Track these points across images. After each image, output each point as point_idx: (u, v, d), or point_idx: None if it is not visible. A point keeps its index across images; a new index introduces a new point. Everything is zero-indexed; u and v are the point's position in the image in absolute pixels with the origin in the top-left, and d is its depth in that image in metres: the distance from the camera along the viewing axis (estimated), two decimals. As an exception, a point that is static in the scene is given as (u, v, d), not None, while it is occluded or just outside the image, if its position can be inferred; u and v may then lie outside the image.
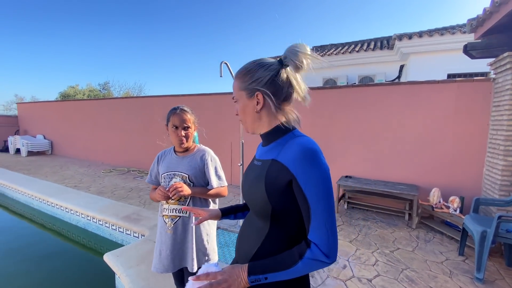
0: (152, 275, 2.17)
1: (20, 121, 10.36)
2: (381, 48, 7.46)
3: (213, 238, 1.53)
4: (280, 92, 0.81)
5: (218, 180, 1.51)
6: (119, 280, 2.33)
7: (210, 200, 1.55)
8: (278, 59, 0.81)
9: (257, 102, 0.81)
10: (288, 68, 0.80)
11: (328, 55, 8.18)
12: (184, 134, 1.43)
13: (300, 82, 0.83)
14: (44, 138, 9.28)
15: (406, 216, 3.63)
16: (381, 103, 3.99)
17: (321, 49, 9.33)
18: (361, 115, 4.12)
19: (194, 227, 1.40)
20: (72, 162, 7.66)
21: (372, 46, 7.88)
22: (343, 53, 7.98)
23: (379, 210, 3.85)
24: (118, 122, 7.44)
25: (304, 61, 0.78)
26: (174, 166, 1.45)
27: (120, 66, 41.06)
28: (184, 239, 1.41)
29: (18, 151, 8.99)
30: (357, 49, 8.02)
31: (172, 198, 1.34)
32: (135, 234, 3.18)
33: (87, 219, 3.68)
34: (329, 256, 0.69)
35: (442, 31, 6.17)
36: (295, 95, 0.84)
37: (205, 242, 1.46)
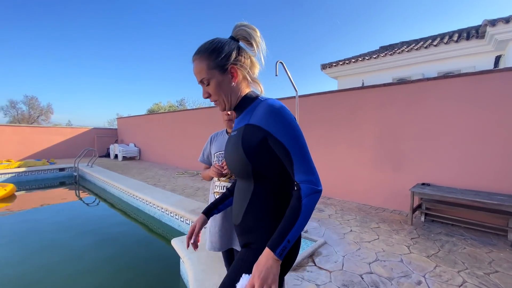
0: (211, 260, 2.30)
1: (118, 133, 12.72)
2: (467, 38, 6.35)
3: None
4: (248, 65, 0.90)
5: None
6: (183, 263, 2.55)
7: None
8: (230, 36, 0.90)
9: (232, 75, 0.88)
10: (253, 44, 0.88)
11: (398, 53, 7.41)
12: (231, 118, 1.50)
13: (252, 56, 0.92)
14: (135, 146, 11.11)
15: (510, 236, 2.88)
16: (468, 96, 3.36)
17: (389, 48, 8.55)
18: (441, 112, 3.55)
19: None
20: (154, 166, 8.90)
21: (455, 38, 6.78)
22: (416, 49, 7.10)
23: (468, 226, 3.16)
24: (190, 131, 8.34)
25: (253, 35, 0.87)
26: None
27: (194, 85, 46.70)
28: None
29: (116, 156, 10.99)
30: (435, 43, 7.02)
31: (224, 174, 1.40)
32: (199, 227, 3.44)
33: (162, 211, 4.18)
34: (318, 185, 0.79)
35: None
36: (253, 70, 0.93)
37: None
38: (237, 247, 1.44)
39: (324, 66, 8.74)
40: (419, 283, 2.08)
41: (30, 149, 10.08)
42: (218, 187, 1.50)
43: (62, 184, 7.75)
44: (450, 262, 2.39)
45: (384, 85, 4.06)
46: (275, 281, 0.72)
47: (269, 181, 0.86)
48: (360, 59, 7.99)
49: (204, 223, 1.11)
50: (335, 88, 8.97)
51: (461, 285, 2.06)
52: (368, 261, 2.37)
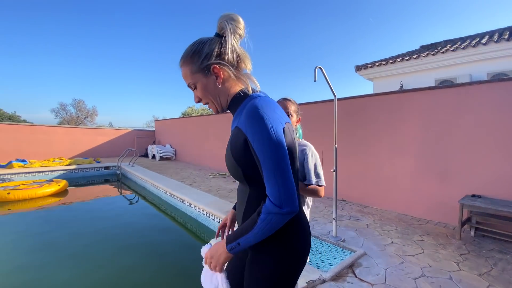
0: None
1: (156, 134, 13.50)
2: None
3: None
4: (231, 60, 0.83)
5: (316, 178, 1.46)
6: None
7: (306, 199, 1.52)
8: (215, 33, 0.84)
9: (216, 76, 0.83)
10: (227, 37, 0.81)
11: (442, 53, 6.93)
12: None
13: (241, 48, 0.86)
14: (171, 147, 11.71)
15: None
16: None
17: (431, 48, 8.03)
18: (494, 118, 3.27)
19: None
20: (188, 166, 9.31)
21: (506, 35, 6.17)
22: (463, 48, 6.59)
23: (528, 244, 2.87)
24: (223, 133, 8.59)
25: (239, 25, 0.82)
26: None
27: None
28: None
29: (153, 156, 11.67)
30: (483, 41, 6.46)
31: None
32: (235, 229, 3.55)
33: (198, 210, 4.37)
34: (282, 206, 0.70)
35: None
36: (242, 65, 0.87)
37: None
38: None
39: (359, 68, 8.47)
40: (472, 304, 1.95)
41: (78, 148, 11.11)
42: None
43: (106, 181, 8.43)
44: (505, 282, 2.20)
45: (429, 88, 3.84)
46: (219, 264, 0.81)
47: (261, 186, 0.78)
48: (399, 59, 7.61)
49: (235, 218, 1.12)
50: (370, 90, 8.65)
51: (522, 310, 1.89)
52: (413, 276, 2.27)
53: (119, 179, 8.34)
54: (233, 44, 0.82)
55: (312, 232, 3.22)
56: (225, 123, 8.50)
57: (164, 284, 2.75)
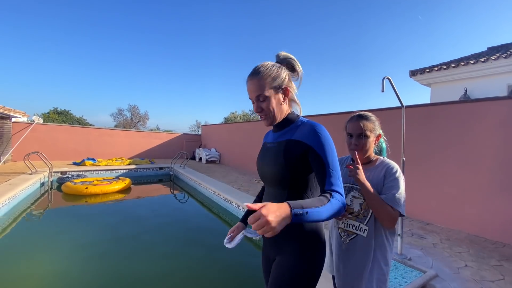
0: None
1: (202, 138, 14.30)
2: None
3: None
4: (293, 87, 1.10)
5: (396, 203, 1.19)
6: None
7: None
8: (276, 61, 1.09)
9: (284, 96, 1.05)
10: (297, 70, 1.10)
11: (518, 55, 6.15)
12: (357, 143, 1.27)
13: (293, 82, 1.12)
14: (216, 150, 12.28)
15: None
16: None
17: (502, 50, 7.17)
18: None
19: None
20: (233, 170, 9.66)
21: None
22: (548, 49, 5.77)
23: None
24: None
25: (296, 66, 1.09)
26: (352, 179, 1.27)
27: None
28: (361, 260, 1.21)
29: (200, 159, 12.36)
30: None
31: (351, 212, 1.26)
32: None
33: (251, 216, 4.53)
34: (344, 201, 0.88)
35: None
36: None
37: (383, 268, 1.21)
38: None
39: (414, 73, 7.94)
40: None
41: (136, 149, 12.28)
42: (344, 223, 1.28)
43: (160, 181, 9.18)
44: None
45: (510, 97, 3.46)
46: (273, 230, 0.67)
47: (300, 190, 1.00)
48: (463, 63, 6.95)
49: (242, 228, 1.20)
50: (428, 97, 8.02)
51: None
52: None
53: (171, 180, 9.02)
54: (300, 75, 1.11)
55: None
56: (267, 128, 8.64)
57: (228, 280, 2.93)
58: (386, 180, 1.22)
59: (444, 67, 7.33)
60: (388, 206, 1.15)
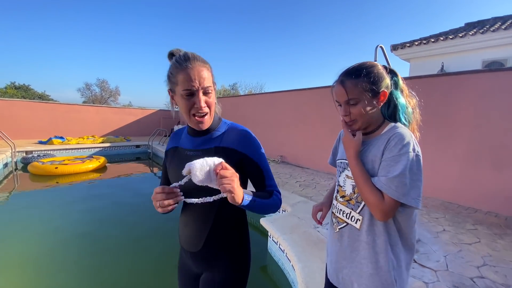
0: (307, 243, 2.42)
1: (180, 115, 13.67)
2: None
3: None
4: None
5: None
6: (272, 241, 2.75)
7: None
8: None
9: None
10: None
11: (492, 31, 6.34)
12: (346, 113, 0.92)
13: None
14: (195, 127, 11.91)
15: None
16: None
17: (479, 25, 7.35)
18: None
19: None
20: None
21: None
22: (520, 25, 5.98)
23: None
24: (249, 115, 8.56)
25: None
26: None
27: (246, 69, 47.40)
28: (352, 254, 0.93)
29: (178, 136, 11.95)
30: (547, 17, 5.81)
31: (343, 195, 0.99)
32: (277, 210, 3.62)
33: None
34: (281, 200, 0.95)
35: None
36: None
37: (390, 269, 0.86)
38: None
39: (395, 47, 7.97)
40: (545, 295, 1.89)
41: (108, 127, 11.53)
42: (336, 208, 1.02)
43: (138, 159, 8.79)
44: None
45: (491, 70, 3.55)
46: (233, 188, 0.72)
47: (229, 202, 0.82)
48: (442, 38, 7.06)
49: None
50: (406, 72, 8.17)
51: None
52: (475, 265, 2.23)
53: (150, 157, 8.66)
54: None
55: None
56: (256, 105, 8.43)
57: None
58: (384, 155, 0.84)
59: (424, 41, 7.41)
60: (376, 191, 0.82)
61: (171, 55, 0.89)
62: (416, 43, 7.58)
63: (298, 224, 2.85)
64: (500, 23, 6.76)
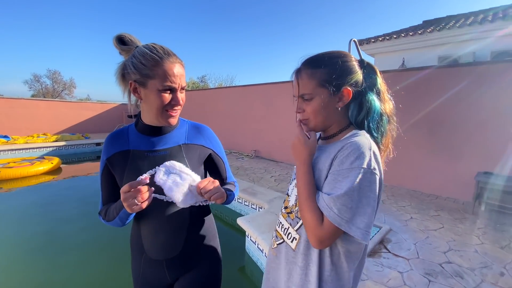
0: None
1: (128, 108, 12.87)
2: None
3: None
4: None
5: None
6: (250, 241, 2.66)
7: None
8: None
9: None
10: None
11: (448, 28, 6.83)
12: (299, 110, 0.77)
13: None
14: (162, 122, 11.28)
15: None
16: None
17: (435, 23, 7.89)
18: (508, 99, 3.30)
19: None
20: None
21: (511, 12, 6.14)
22: (469, 24, 6.52)
23: (535, 217, 3.06)
24: (221, 109, 8.30)
25: None
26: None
27: (216, 61, 46.06)
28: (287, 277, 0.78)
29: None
30: (489, 18, 6.41)
31: None
32: (253, 206, 3.53)
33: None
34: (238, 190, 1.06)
35: None
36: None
37: None
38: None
39: (361, 42, 8.25)
40: (502, 274, 2.06)
41: (63, 123, 10.43)
42: (279, 223, 0.87)
43: (99, 158, 8.06)
44: (527, 255, 2.34)
45: (450, 66, 3.79)
46: (222, 197, 0.81)
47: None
48: (403, 34, 7.46)
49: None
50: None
51: (546, 279, 2.03)
52: (442, 250, 2.36)
53: (113, 156, 8.01)
54: None
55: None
56: (223, 98, 8.19)
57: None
58: (333, 166, 0.67)
59: (388, 37, 7.76)
60: (316, 211, 0.65)
61: (120, 40, 0.80)
62: (380, 39, 7.91)
63: (276, 222, 2.78)
64: (454, 21, 7.32)
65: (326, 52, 0.73)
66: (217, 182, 0.81)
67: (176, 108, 0.82)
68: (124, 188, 0.70)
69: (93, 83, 52.06)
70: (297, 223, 0.74)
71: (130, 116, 10.81)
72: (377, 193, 0.62)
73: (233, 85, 19.37)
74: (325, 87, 0.69)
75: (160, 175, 0.75)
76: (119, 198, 0.76)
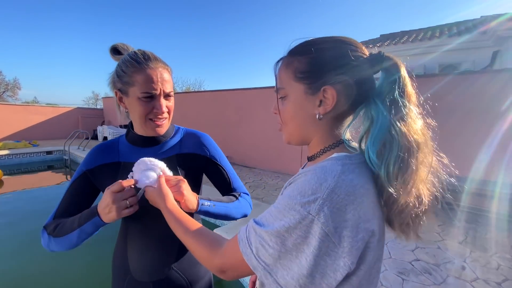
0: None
1: (105, 113, 11.96)
2: (469, 32, 6.58)
3: None
4: None
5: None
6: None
7: None
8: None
9: None
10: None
11: (402, 43, 7.54)
12: (275, 110, 0.67)
13: None
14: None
15: (520, 221, 3.18)
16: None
17: (391, 37, 8.66)
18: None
19: None
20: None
21: (454, 30, 7.01)
22: (420, 40, 7.27)
23: (484, 213, 3.44)
24: (190, 115, 8.04)
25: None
26: None
27: (183, 64, 44.81)
28: None
29: (105, 138, 10.38)
30: (437, 34, 7.22)
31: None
32: (228, 215, 3.43)
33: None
34: (251, 202, 0.93)
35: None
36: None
37: None
38: None
39: (326, 52, 8.68)
40: (463, 268, 2.25)
41: (5, 129, 9.20)
42: None
43: (50, 167, 7.24)
44: (481, 248, 2.60)
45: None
46: (180, 193, 0.67)
47: (195, 216, 0.85)
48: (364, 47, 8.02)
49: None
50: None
51: (498, 268, 2.27)
52: (410, 249, 2.51)
53: (67, 165, 7.24)
54: None
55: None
56: (188, 105, 7.95)
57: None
58: (284, 192, 0.52)
59: (350, 48, 8.30)
60: (201, 240, 0.55)
61: (114, 50, 0.79)
62: (343, 49, 8.42)
63: (253, 230, 2.73)
64: (407, 36, 8.10)
65: (327, 36, 0.51)
66: (182, 181, 0.70)
67: (160, 116, 0.76)
68: (115, 187, 0.63)
69: (41, 84, 47.09)
70: None
71: (121, 126, 9.98)
72: (320, 251, 0.39)
73: (202, 89, 19.04)
74: (301, 80, 0.49)
75: (137, 175, 0.70)
76: (78, 210, 0.74)
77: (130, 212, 0.65)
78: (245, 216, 0.88)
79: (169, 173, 0.73)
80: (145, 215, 0.77)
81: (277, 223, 0.42)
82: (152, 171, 0.70)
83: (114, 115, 11.33)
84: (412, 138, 0.44)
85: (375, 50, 0.51)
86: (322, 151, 0.52)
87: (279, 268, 0.41)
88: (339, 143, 0.51)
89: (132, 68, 0.71)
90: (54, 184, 5.89)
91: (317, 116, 0.49)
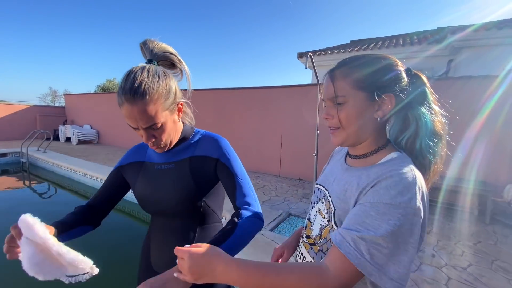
0: (254, 249, 2.32)
1: (67, 112, 11.02)
2: (429, 42, 7.25)
3: None
4: (184, 94, 0.93)
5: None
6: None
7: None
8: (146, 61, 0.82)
9: (178, 113, 0.85)
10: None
11: (371, 49, 8.05)
12: (327, 116, 0.65)
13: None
14: (91, 128, 9.83)
15: (476, 212, 3.59)
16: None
17: (360, 43, 9.19)
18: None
19: None
20: (121, 151, 8.09)
21: (415, 39, 7.67)
22: (386, 46, 7.82)
23: (446, 206, 3.82)
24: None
25: (177, 63, 0.89)
26: (331, 180, 0.70)
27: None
28: None
29: (68, 139, 9.58)
30: (401, 42, 7.83)
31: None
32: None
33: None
34: (261, 216, 0.76)
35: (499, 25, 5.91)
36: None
37: None
38: None
39: (301, 55, 8.93)
40: (433, 256, 2.49)
41: None
42: (298, 248, 0.79)
43: (5, 172, 6.50)
44: (446, 237, 2.90)
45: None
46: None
47: (213, 217, 0.88)
48: (336, 51, 8.42)
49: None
50: (309, 78, 9.32)
51: (462, 254, 2.54)
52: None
53: (24, 169, 6.56)
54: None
55: (289, 211, 3.39)
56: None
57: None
58: (366, 196, 0.53)
59: (323, 53, 8.65)
60: (288, 274, 0.50)
61: (144, 46, 0.80)
62: (317, 53, 8.75)
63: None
64: (374, 43, 8.65)
65: (374, 53, 0.63)
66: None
67: (150, 143, 0.76)
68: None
69: (-13, 79, 41.96)
70: (321, 258, 0.63)
71: None
72: (417, 239, 0.49)
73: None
74: (363, 89, 0.58)
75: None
76: (108, 199, 0.91)
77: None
78: (259, 231, 0.75)
79: (53, 243, 0.62)
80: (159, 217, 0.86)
81: (385, 224, 0.48)
82: (31, 241, 0.60)
83: (78, 113, 10.50)
84: (442, 132, 0.60)
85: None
86: (376, 150, 0.62)
87: (391, 265, 0.48)
88: (388, 143, 0.63)
89: (117, 96, 0.72)
90: (12, 188, 5.31)
91: (378, 119, 0.60)
